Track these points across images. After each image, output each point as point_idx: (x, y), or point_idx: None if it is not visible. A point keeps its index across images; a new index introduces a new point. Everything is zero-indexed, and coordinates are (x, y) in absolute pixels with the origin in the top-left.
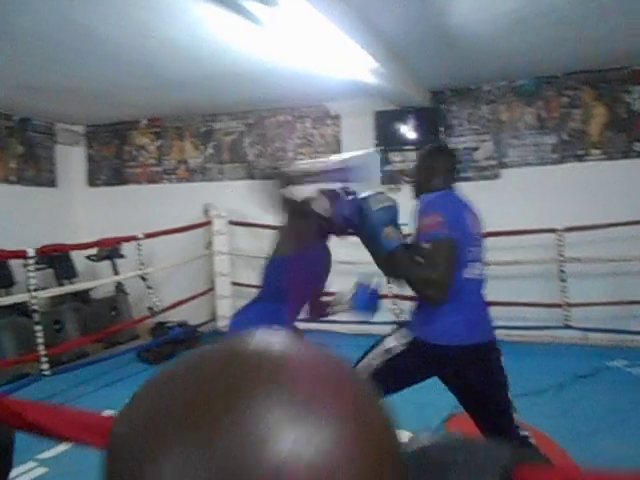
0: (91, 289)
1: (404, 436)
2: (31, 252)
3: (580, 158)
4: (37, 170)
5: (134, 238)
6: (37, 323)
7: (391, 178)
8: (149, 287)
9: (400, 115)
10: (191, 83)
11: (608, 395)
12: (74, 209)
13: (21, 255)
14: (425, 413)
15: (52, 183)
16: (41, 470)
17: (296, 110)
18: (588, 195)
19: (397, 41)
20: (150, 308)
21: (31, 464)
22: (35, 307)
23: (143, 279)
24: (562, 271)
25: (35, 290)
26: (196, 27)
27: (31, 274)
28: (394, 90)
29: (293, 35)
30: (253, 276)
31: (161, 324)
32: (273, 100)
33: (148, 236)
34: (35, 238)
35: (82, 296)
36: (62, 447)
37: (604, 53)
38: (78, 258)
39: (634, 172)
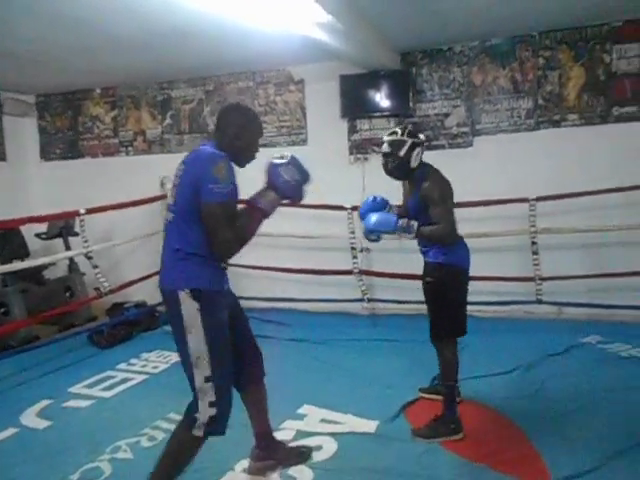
0: (42, 269)
1: (368, 426)
2: None
3: (556, 124)
4: None
5: (76, 214)
6: None
7: (359, 148)
8: (95, 266)
9: (367, 79)
10: (140, 43)
11: (578, 375)
12: (27, 185)
13: None
14: (389, 395)
15: (1, 157)
16: None
17: (257, 75)
18: (565, 163)
19: None
20: (97, 289)
21: None
22: None
23: (87, 257)
24: (534, 243)
25: None
26: None
27: None
28: (357, 51)
29: None
30: None
31: (118, 305)
32: (232, 64)
33: (90, 212)
34: None
35: (35, 277)
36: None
37: (581, 7)
38: (32, 237)
39: (612, 138)
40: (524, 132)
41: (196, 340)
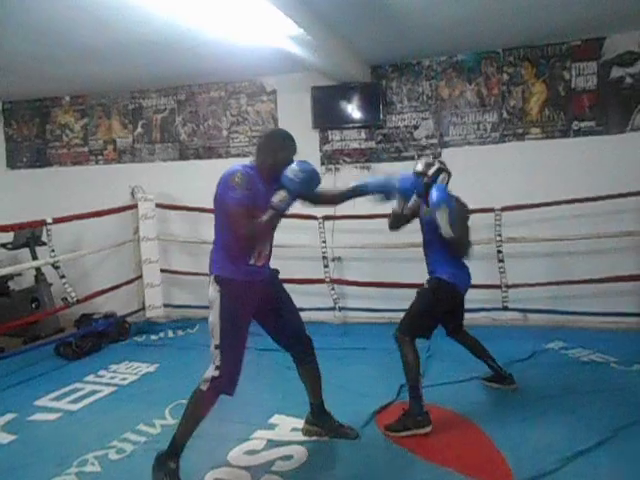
0: (8, 279)
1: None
2: None
3: (520, 137)
4: None
5: (43, 223)
6: None
7: (330, 158)
8: (62, 276)
9: (338, 91)
10: (110, 53)
11: (542, 379)
12: None
13: None
14: (360, 403)
15: None
16: None
17: (229, 85)
18: (528, 175)
19: (323, 6)
20: (64, 299)
21: None
22: None
23: (55, 267)
24: (499, 251)
25: None
26: None
27: None
28: (329, 63)
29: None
30: (186, 262)
31: (86, 315)
32: (205, 74)
33: (58, 221)
34: None
35: (0, 288)
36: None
37: (542, 27)
38: None
39: (572, 151)
40: (490, 144)
41: (213, 315)
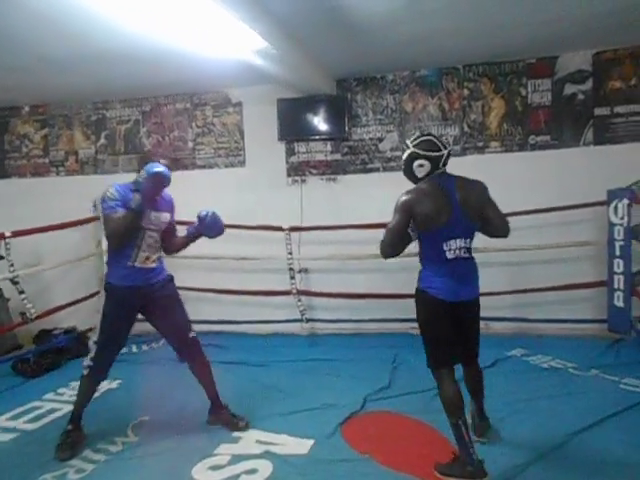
0: None
1: (303, 445)
2: None
3: (480, 150)
4: None
5: (1, 237)
6: None
7: (296, 170)
8: (21, 292)
9: (304, 103)
10: (73, 64)
11: (505, 386)
12: None
13: None
14: (326, 414)
15: None
16: None
17: (195, 96)
18: (488, 186)
19: (289, 20)
20: (23, 314)
21: None
22: None
23: (14, 282)
24: None
25: None
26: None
27: None
28: (294, 76)
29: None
30: None
31: (46, 331)
32: (170, 85)
33: (17, 234)
34: None
35: None
36: None
37: (499, 45)
38: None
39: (529, 164)
40: (452, 157)
41: (99, 317)
